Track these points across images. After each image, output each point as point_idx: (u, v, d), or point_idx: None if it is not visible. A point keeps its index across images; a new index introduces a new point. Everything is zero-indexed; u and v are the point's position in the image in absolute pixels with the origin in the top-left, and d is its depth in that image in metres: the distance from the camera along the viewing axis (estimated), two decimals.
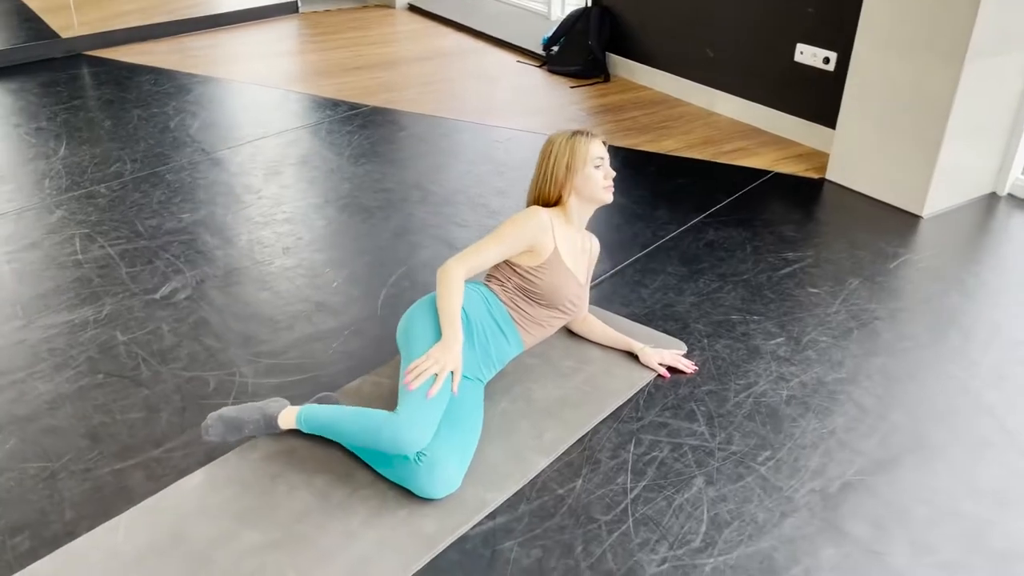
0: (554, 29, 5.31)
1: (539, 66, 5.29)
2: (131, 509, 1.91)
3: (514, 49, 5.61)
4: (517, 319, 2.24)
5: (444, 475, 1.93)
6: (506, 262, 2.23)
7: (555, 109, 4.60)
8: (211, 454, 2.09)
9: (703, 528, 1.91)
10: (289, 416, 2.08)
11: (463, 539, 1.87)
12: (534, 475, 2.06)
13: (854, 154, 3.65)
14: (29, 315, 2.63)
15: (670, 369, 2.45)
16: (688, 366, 2.45)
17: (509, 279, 2.25)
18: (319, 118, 4.33)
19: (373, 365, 2.43)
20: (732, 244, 3.17)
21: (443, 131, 4.20)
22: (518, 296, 2.23)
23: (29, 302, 2.70)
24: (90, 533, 1.85)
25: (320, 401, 2.15)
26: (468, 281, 2.24)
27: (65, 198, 3.39)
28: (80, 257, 2.96)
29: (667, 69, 4.81)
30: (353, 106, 4.52)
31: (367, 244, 3.11)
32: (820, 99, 4.04)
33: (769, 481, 2.05)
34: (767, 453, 2.14)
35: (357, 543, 1.84)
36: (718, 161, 3.93)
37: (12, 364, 2.40)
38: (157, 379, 2.36)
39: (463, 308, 2.18)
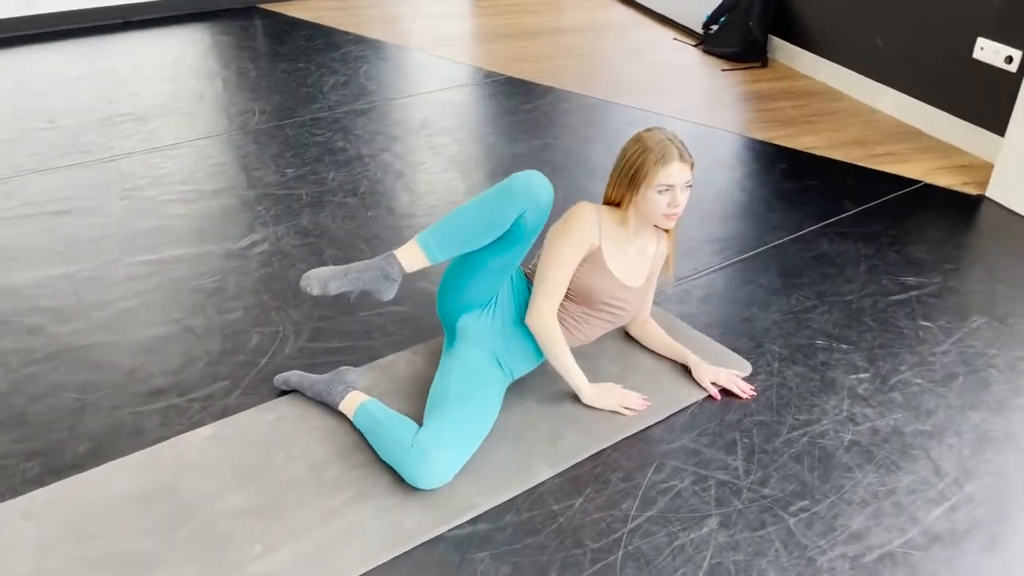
0: (716, 6, 4.98)
1: (695, 45, 4.99)
2: (139, 452, 1.97)
3: (675, 26, 5.32)
4: None
5: (435, 467, 1.84)
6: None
7: (696, 92, 4.31)
8: (226, 411, 2.11)
9: None
10: (349, 405, 2.06)
11: (438, 539, 1.78)
12: (533, 485, 1.92)
13: (1022, 170, 3.15)
14: (119, 252, 2.77)
15: (724, 391, 2.22)
16: (745, 390, 2.21)
17: None
18: (452, 84, 4.30)
19: (415, 342, 2.37)
20: (845, 260, 2.84)
21: (570, 106, 4.05)
22: None
23: (125, 239, 2.85)
24: (94, 470, 1.92)
25: (338, 375, 2.12)
26: (507, 269, 2.12)
27: (190, 144, 3.56)
28: (183, 200, 3.10)
29: (831, 58, 4.38)
30: (489, 74, 4.45)
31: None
32: (997, 104, 3.52)
33: (795, 536, 1.81)
34: (803, 503, 1.89)
35: (331, 524, 1.79)
36: (862, 164, 3.53)
37: (88, 296, 2.54)
38: (207, 328, 2.42)
39: (497, 289, 2.09)
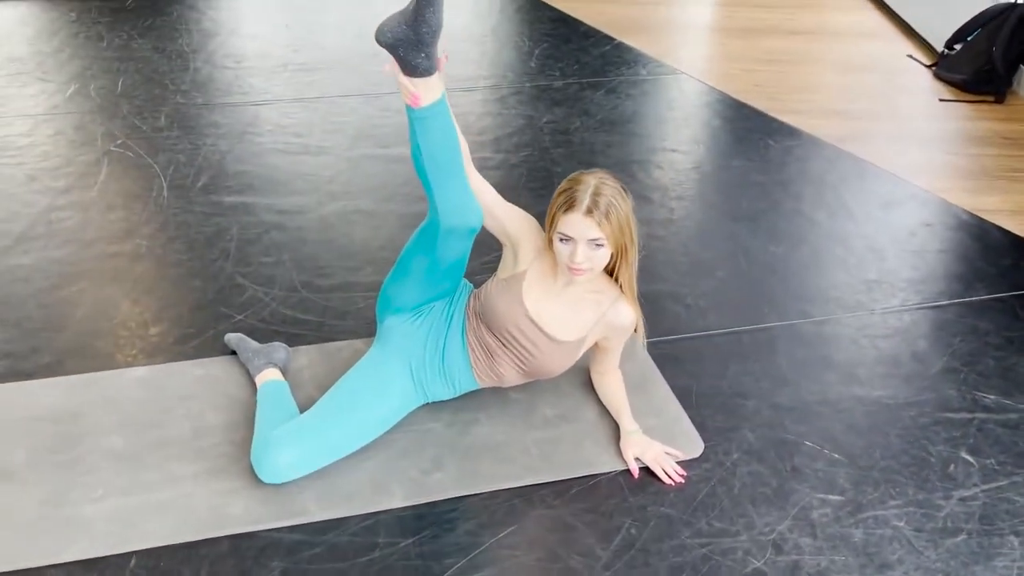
0: (966, 21, 4.19)
1: (929, 66, 4.26)
2: (75, 376, 2.15)
3: (918, 41, 4.58)
4: (467, 331, 1.96)
5: (272, 462, 1.82)
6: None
7: (890, 122, 3.70)
8: (176, 356, 2.23)
9: None
10: (260, 379, 2.09)
11: (248, 536, 1.76)
12: (376, 510, 1.82)
13: None
14: (195, 192, 2.98)
15: (648, 469, 1.93)
16: (670, 475, 1.90)
17: (485, 287, 1.98)
18: (611, 74, 4.06)
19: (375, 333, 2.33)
20: (919, 354, 2.31)
21: (720, 114, 3.67)
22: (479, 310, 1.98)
23: (210, 179, 3.06)
24: (33, 381, 2.13)
25: (267, 349, 2.15)
26: (437, 280, 2.00)
27: (330, 99, 3.73)
28: (287, 151, 3.28)
29: None
30: (660, 67, 4.15)
31: None
32: None
33: None
34: None
35: (167, 490, 1.84)
36: None
37: (143, 226, 2.78)
38: (214, 275, 2.54)
39: (429, 300, 2.01)
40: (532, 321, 1.90)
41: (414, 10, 1.61)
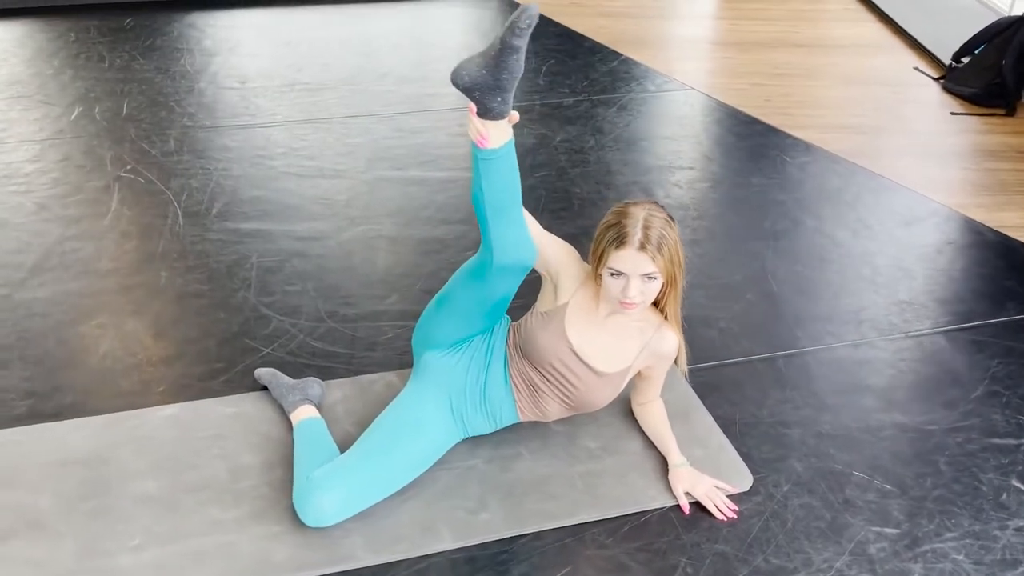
0: (973, 35, 4.21)
1: (937, 79, 4.26)
2: (102, 416, 2.08)
3: (924, 53, 4.58)
4: (510, 366, 1.92)
5: (316, 506, 1.76)
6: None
7: (899, 135, 3.70)
8: (204, 392, 2.17)
9: None
10: (297, 417, 2.05)
11: None
12: (426, 553, 1.77)
13: None
14: (209, 219, 2.92)
15: (699, 504, 1.89)
16: (722, 510, 1.86)
17: (525, 321, 1.94)
18: (630, 90, 4.06)
19: (407, 365, 2.28)
20: (960, 377, 2.29)
21: (732, 130, 3.65)
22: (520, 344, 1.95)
23: (224, 205, 2.99)
24: (62, 422, 2.06)
25: (301, 384, 2.10)
26: (480, 316, 1.95)
27: (340, 120, 3.69)
28: (300, 174, 3.22)
29: None
30: (669, 82, 4.13)
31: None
32: None
33: None
34: None
35: (209, 537, 1.78)
36: None
37: (157, 256, 2.71)
38: (237, 306, 2.49)
39: (470, 336, 1.96)
40: (576, 354, 1.86)
41: (496, 55, 1.56)
